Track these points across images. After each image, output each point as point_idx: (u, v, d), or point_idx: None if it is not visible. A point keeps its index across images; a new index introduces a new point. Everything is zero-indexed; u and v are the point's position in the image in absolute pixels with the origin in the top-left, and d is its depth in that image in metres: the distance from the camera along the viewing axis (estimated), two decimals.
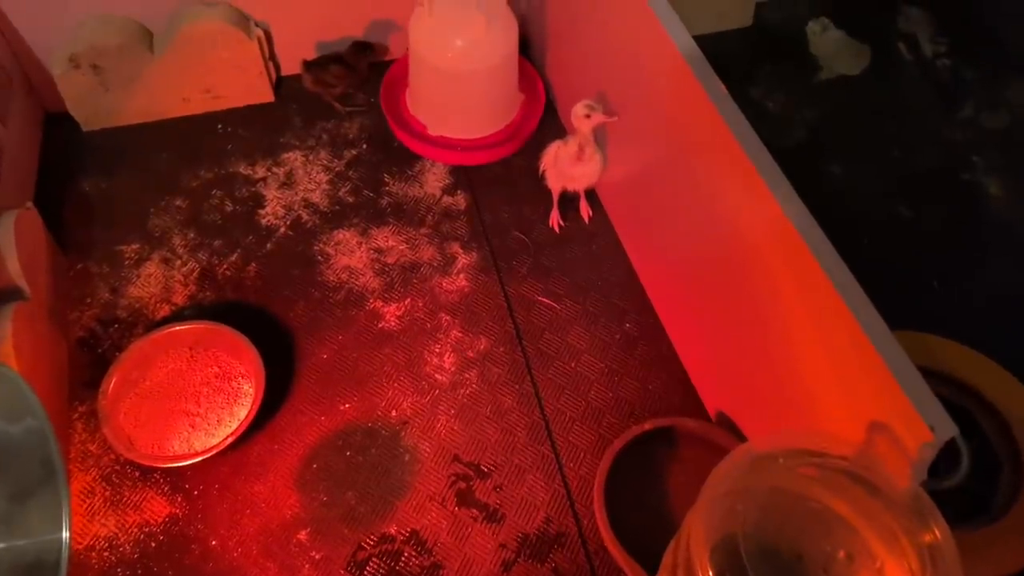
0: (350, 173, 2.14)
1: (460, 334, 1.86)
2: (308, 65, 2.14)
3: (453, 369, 1.80)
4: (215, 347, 1.76)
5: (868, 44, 2.41)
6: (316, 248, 1.99)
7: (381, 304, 1.90)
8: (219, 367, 1.75)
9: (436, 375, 1.80)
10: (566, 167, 1.91)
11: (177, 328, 1.74)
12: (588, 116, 1.79)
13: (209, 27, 2.05)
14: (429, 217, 2.06)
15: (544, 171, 1.98)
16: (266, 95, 2.24)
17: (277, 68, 2.27)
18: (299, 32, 2.20)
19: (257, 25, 2.14)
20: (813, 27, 2.42)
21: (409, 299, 1.91)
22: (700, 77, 1.44)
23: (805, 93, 2.31)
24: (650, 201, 1.82)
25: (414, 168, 2.15)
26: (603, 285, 1.94)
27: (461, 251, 2.00)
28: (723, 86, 1.43)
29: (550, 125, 2.22)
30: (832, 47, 2.41)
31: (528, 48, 2.34)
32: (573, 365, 1.81)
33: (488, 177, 2.15)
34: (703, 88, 1.43)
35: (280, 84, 2.29)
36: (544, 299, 1.92)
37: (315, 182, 2.11)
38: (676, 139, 1.61)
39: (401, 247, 2.00)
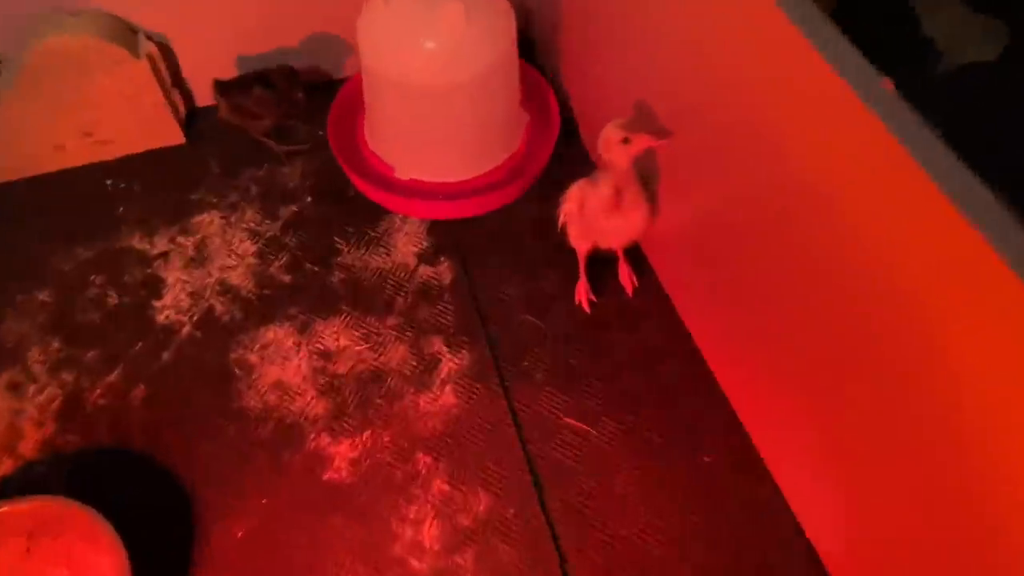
0: (287, 239, 1.50)
1: (447, 487, 1.21)
2: (222, 87, 1.52)
3: (438, 548, 1.16)
4: (65, 534, 1.13)
5: (1003, 20, 1.74)
6: (234, 356, 1.36)
7: (328, 441, 1.26)
8: (69, 567, 1.12)
9: (411, 560, 1.15)
10: (598, 218, 1.28)
11: (9, 508, 1.12)
12: (626, 141, 1.15)
13: (75, 44, 1.44)
14: (400, 299, 1.42)
15: (565, 224, 1.35)
16: (172, 135, 1.62)
17: (186, 97, 1.64)
18: (212, 45, 1.58)
19: (149, 38, 1.52)
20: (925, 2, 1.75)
21: (370, 431, 1.27)
22: (837, 66, 0.80)
23: (921, 89, 1.64)
24: (731, 263, 1.17)
25: (378, 227, 1.52)
26: (662, 394, 1.29)
27: (446, 350, 1.36)
28: (888, 82, 0.79)
29: (571, 155, 1.58)
30: (953, 26, 1.73)
31: (533, 50, 1.71)
32: (625, 532, 1.16)
33: (483, 235, 1.51)
34: (849, 87, 0.79)
35: (192, 119, 1.67)
36: (572, 420, 1.27)
37: (237, 255, 1.48)
38: (779, 168, 0.96)
39: (358, 348, 1.36)
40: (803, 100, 0.88)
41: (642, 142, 1.16)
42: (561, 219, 1.34)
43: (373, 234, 1.51)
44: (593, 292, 1.40)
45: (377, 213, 1.54)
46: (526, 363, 1.33)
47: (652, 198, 1.27)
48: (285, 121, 1.58)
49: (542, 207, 1.46)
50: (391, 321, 1.39)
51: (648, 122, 1.21)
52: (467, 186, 1.53)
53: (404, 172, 1.54)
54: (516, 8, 1.44)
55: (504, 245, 1.49)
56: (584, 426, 1.26)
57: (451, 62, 1.36)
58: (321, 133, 1.60)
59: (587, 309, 1.39)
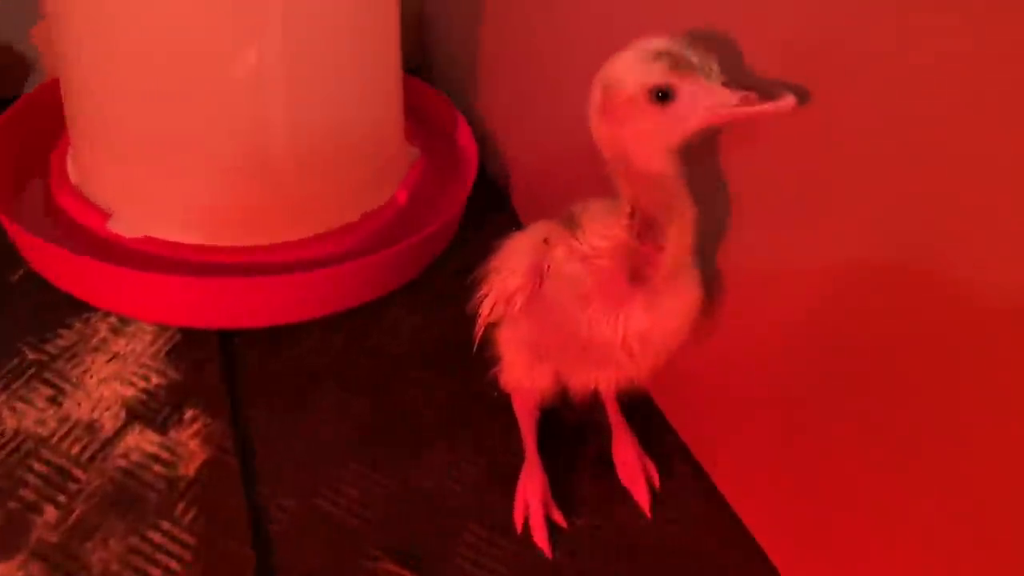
0: None
1: None
2: None
3: None
4: None
5: None
6: None
7: None
8: None
9: None
10: (588, 307, 0.49)
11: None
12: (664, 96, 0.43)
13: None
14: (58, 514, 0.54)
15: (497, 322, 0.57)
16: None
17: None
18: None
19: None
20: None
21: None
22: None
23: None
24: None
25: (55, 340, 0.66)
26: None
27: None
28: None
29: (491, 219, 0.81)
30: None
31: (432, 70, 0.97)
32: None
33: (288, 372, 0.68)
34: None
35: None
36: None
37: None
38: None
39: None
40: None
41: (747, 104, 0.42)
42: (488, 310, 0.54)
43: (39, 357, 0.65)
44: (560, 506, 0.58)
45: (60, 312, 0.68)
46: None
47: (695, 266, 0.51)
48: None
49: (433, 313, 0.67)
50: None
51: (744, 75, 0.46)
52: (269, 257, 0.70)
53: (130, 224, 0.70)
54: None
55: (338, 395, 0.65)
56: None
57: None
58: None
59: (547, 550, 0.56)
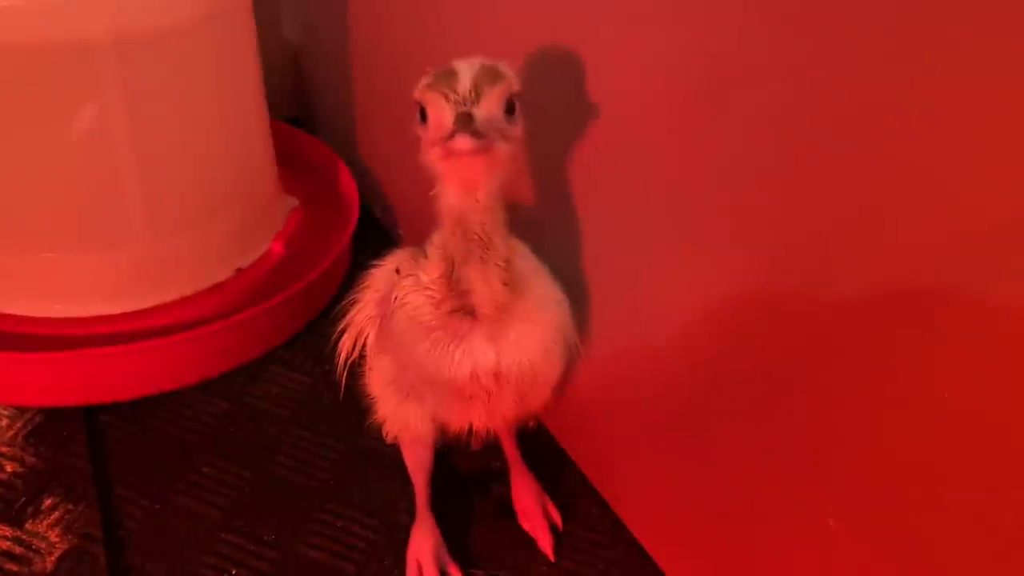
0: None
1: None
2: None
3: None
4: None
5: None
6: None
7: None
8: None
9: None
10: (428, 346, 0.47)
11: None
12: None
13: None
14: None
15: (364, 362, 0.55)
16: None
17: None
18: None
19: None
20: None
21: None
22: None
23: None
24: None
25: None
26: None
27: None
28: None
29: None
30: None
31: (312, 119, 0.95)
32: None
33: (158, 446, 0.63)
34: None
35: None
36: None
37: None
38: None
39: None
40: None
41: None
42: (350, 344, 0.52)
43: None
44: (459, 559, 0.54)
45: None
46: None
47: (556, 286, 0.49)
48: None
49: (318, 368, 0.65)
50: None
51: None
52: (134, 325, 0.65)
53: None
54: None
55: (216, 465, 0.61)
56: None
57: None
58: None
59: None
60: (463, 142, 0.37)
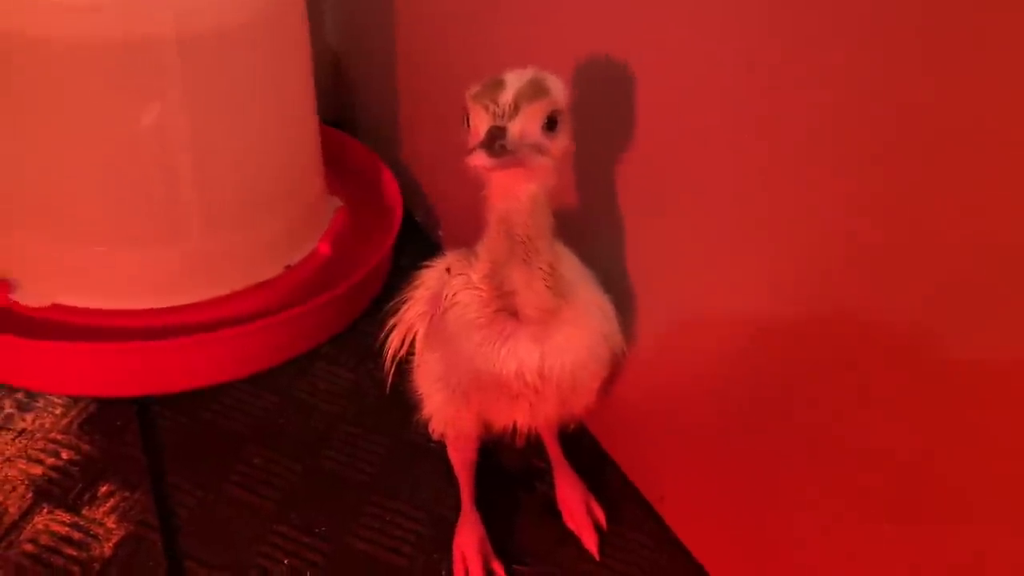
0: None
1: None
2: None
3: None
4: None
5: None
6: None
7: None
8: None
9: None
10: (474, 346, 0.48)
11: None
12: (477, 129, 0.42)
13: None
14: None
15: (414, 358, 0.56)
16: None
17: None
18: None
19: None
20: None
21: None
22: None
23: None
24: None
25: None
26: None
27: None
28: None
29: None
30: None
31: (353, 122, 0.97)
32: None
33: (211, 439, 0.64)
34: None
35: None
36: None
37: None
38: None
39: None
40: None
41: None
42: (398, 341, 0.53)
43: None
44: (504, 555, 0.55)
45: None
46: None
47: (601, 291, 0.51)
48: None
49: (363, 365, 0.66)
50: None
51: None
52: (186, 319, 0.67)
53: (35, 293, 0.66)
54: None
55: (266, 457, 0.62)
56: None
57: None
58: None
59: None
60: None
